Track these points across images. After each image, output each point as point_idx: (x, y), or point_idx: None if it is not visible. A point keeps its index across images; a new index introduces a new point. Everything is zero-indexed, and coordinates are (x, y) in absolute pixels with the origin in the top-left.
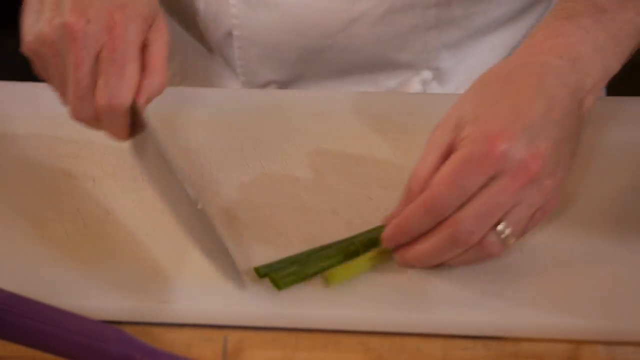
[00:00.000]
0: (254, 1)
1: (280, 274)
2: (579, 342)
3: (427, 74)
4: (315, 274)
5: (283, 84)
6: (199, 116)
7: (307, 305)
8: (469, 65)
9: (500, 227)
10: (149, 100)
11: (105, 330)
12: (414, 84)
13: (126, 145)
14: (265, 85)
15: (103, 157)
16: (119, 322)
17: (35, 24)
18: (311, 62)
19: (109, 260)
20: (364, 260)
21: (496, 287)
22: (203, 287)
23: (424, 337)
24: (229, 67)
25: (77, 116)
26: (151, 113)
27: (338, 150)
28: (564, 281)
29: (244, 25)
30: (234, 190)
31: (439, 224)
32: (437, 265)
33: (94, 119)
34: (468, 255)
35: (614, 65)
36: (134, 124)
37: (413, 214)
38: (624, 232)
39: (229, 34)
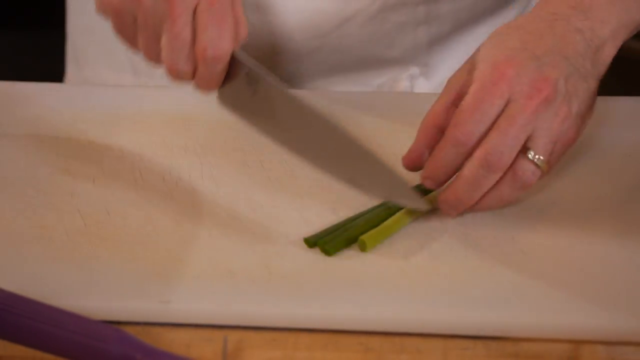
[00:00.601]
0: (245, 3)
1: (328, 241)
2: (579, 342)
3: (414, 70)
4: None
5: None
6: (198, 116)
7: (307, 305)
8: (455, 58)
9: (530, 154)
10: (237, 48)
11: (105, 330)
12: (402, 81)
13: (126, 144)
14: None
15: (103, 156)
16: (119, 322)
17: None
18: (301, 62)
19: (109, 260)
20: (393, 221)
21: (496, 287)
22: (203, 287)
23: (423, 337)
24: None
25: (173, 68)
26: (150, 112)
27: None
28: (563, 281)
29: None
30: (234, 190)
31: (470, 155)
32: (477, 207)
33: (189, 71)
34: (504, 188)
35: (635, 15)
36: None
37: (442, 149)
38: (624, 232)
39: None
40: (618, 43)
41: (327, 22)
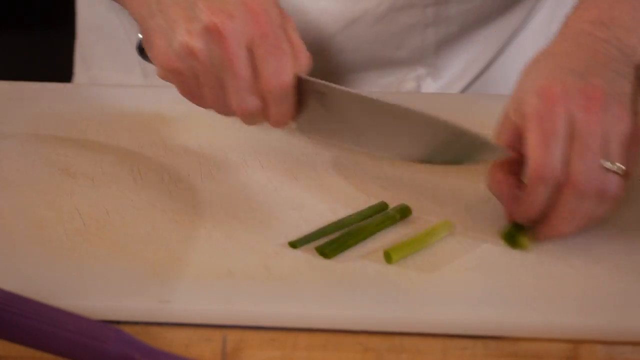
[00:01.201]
0: None
1: (328, 246)
2: (578, 342)
3: (421, 71)
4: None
5: None
6: (198, 116)
7: (306, 305)
8: (462, 59)
9: (608, 165)
10: (302, 74)
11: (105, 330)
12: (409, 81)
13: (125, 143)
14: None
15: (102, 156)
16: (118, 322)
17: (172, 42)
18: None
19: (108, 260)
20: (422, 236)
21: (495, 287)
22: (202, 287)
23: (423, 336)
24: None
25: (244, 109)
26: (150, 112)
27: (337, 150)
28: (563, 281)
29: None
30: (234, 190)
31: (560, 189)
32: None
33: (259, 108)
34: (597, 209)
35: None
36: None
37: (532, 189)
38: (623, 232)
39: None
40: None
41: (334, 22)
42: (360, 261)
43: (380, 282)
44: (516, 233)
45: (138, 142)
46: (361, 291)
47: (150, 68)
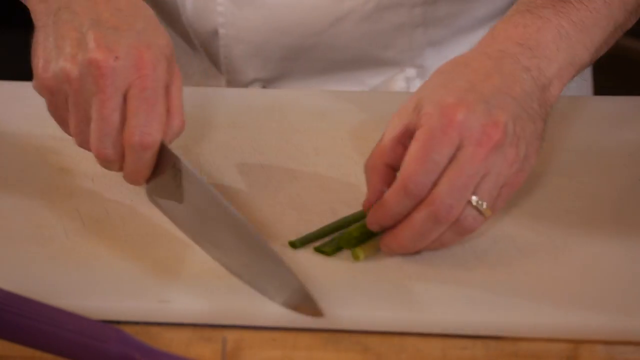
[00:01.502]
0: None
1: (327, 245)
2: (578, 342)
3: (410, 72)
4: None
5: (267, 82)
6: (197, 116)
7: None
8: None
9: (474, 200)
10: (169, 142)
11: (105, 330)
12: (398, 82)
13: None
14: (249, 83)
15: None
16: (118, 322)
17: (54, 61)
18: (296, 60)
19: (108, 260)
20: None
21: (495, 287)
22: (202, 287)
23: (422, 336)
24: (212, 64)
25: (101, 153)
26: None
27: (337, 150)
28: (563, 281)
29: (229, 23)
30: (233, 191)
31: (418, 205)
32: (417, 252)
33: (117, 158)
34: (446, 234)
35: (582, 54)
36: (155, 166)
37: (393, 198)
38: (623, 232)
39: (215, 32)
40: (564, 82)
41: (321, 19)
42: (360, 261)
43: (380, 282)
44: (356, 238)
45: None
46: (361, 291)
47: None
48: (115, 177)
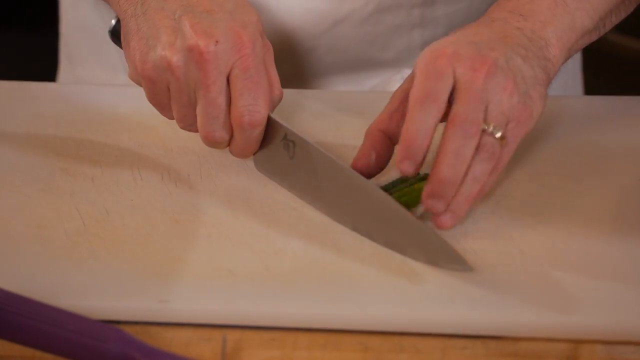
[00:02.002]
0: None
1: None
2: (578, 342)
3: (408, 73)
4: None
5: None
6: None
7: (306, 304)
8: None
9: (487, 127)
10: (271, 112)
11: (105, 330)
12: (396, 83)
13: (125, 143)
14: None
15: (102, 156)
16: (118, 322)
17: (153, 50)
18: (294, 63)
19: (108, 259)
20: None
21: (495, 287)
22: (202, 287)
23: (422, 336)
24: None
25: (209, 136)
26: (150, 112)
27: (338, 150)
28: (563, 280)
29: None
30: (234, 190)
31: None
32: (458, 197)
33: (225, 139)
34: (476, 166)
35: (584, 20)
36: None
37: (411, 118)
38: (623, 232)
39: None
40: (567, 45)
41: (320, 22)
42: (360, 261)
43: (380, 282)
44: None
45: (138, 142)
46: (361, 291)
47: None
48: (115, 177)
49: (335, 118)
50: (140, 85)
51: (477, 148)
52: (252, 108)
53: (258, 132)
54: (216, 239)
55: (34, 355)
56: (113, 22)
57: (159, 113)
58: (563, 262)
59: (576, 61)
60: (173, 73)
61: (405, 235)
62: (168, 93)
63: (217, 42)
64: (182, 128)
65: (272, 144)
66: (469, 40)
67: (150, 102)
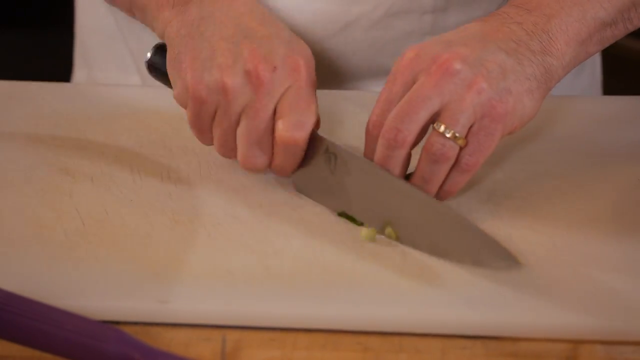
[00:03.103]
0: None
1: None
2: (577, 342)
3: None
4: None
5: None
6: None
7: (306, 305)
8: None
9: (436, 126)
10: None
11: (104, 330)
12: None
13: (124, 143)
14: None
15: (101, 156)
16: (118, 322)
17: (208, 71)
18: None
19: (107, 260)
20: None
21: (495, 287)
22: (201, 287)
23: (422, 336)
24: None
25: (248, 162)
26: (150, 111)
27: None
28: (562, 281)
29: None
30: (234, 190)
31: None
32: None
33: (266, 164)
34: (426, 169)
35: (597, 11)
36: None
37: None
38: (623, 232)
39: None
40: (576, 39)
41: (329, 25)
42: (360, 261)
43: (380, 282)
44: None
45: (138, 141)
46: (360, 291)
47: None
48: (115, 177)
49: (343, 118)
50: (184, 107)
51: (425, 149)
52: (298, 126)
53: (300, 148)
54: (215, 239)
55: (34, 355)
56: (149, 54)
57: (159, 113)
58: (562, 262)
59: (596, 64)
60: (226, 95)
61: (452, 238)
62: (213, 116)
63: (275, 68)
64: (222, 154)
65: (313, 159)
66: (443, 40)
67: (191, 126)
